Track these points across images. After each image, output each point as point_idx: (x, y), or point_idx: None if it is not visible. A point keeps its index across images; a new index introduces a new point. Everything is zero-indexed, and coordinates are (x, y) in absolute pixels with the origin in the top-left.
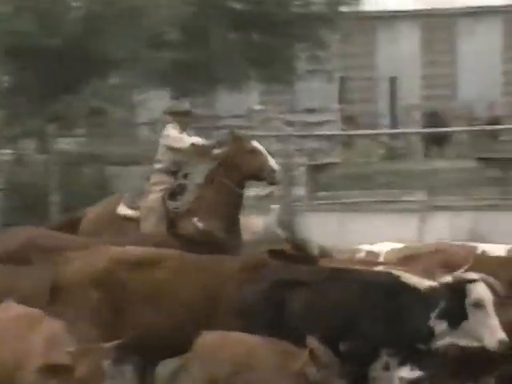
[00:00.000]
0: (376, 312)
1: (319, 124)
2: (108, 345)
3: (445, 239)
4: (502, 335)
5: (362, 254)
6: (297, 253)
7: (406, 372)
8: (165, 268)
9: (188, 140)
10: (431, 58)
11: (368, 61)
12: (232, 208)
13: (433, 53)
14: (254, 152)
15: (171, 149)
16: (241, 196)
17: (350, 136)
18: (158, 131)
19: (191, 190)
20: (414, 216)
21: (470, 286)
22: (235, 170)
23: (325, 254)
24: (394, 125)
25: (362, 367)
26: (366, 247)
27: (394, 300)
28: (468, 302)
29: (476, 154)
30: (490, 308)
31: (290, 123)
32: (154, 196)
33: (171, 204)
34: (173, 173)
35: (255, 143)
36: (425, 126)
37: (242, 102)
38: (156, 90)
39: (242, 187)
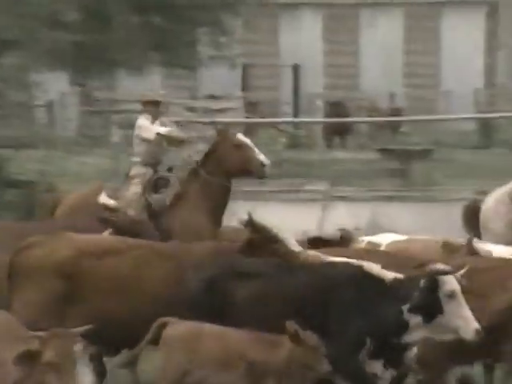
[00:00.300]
0: (340, 303)
1: (222, 111)
2: (76, 330)
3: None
4: (476, 325)
5: (361, 245)
6: (256, 236)
7: (379, 369)
8: (130, 257)
9: (155, 129)
10: (333, 48)
11: (271, 48)
12: (217, 203)
13: (335, 43)
14: (241, 146)
15: (142, 139)
16: (227, 192)
17: (252, 124)
18: (54, 113)
19: (174, 183)
20: (315, 205)
21: (444, 278)
22: (221, 166)
23: (347, 239)
24: (296, 113)
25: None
26: (366, 238)
27: (357, 290)
28: (442, 293)
29: (377, 145)
30: (462, 298)
31: (191, 109)
32: (134, 189)
33: (154, 197)
34: (151, 164)
35: (241, 137)
36: (327, 116)
37: (143, 86)
38: (54, 71)
39: (229, 183)
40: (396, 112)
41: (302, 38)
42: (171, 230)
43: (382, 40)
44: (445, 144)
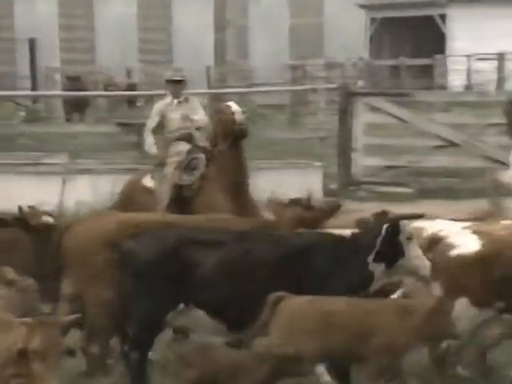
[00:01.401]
0: (310, 269)
1: None
2: (64, 319)
3: (86, 201)
4: (428, 262)
5: None
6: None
7: None
8: None
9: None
10: (69, 22)
11: (6, 22)
12: (236, 180)
13: (70, 17)
14: (233, 115)
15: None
16: (241, 163)
17: None
18: None
19: (201, 165)
20: (55, 179)
21: (403, 222)
22: (226, 140)
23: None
24: (34, 87)
25: None
26: None
27: (326, 254)
28: (403, 236)
29: (114, 119)
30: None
31: None
32: (167, 169)
33: (185, 179)
34: (188, 139)
35: (232, 104)
36: (65, 90)
37: None
38: None
39: (236, 150)
40: (132, 87)
41: (38, 12)
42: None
43: (117, 15)
44: None
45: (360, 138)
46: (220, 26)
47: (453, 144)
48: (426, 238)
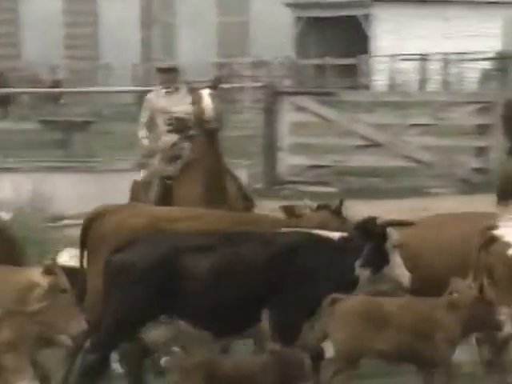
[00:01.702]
0: (299, 270)
1: None
2: (32, 308)
3: (8, 200)
4: (407, 272)
5: None
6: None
7: None
8: (202, 223)
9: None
10: None
11: None
12: (211, 170)
13: None
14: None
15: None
16: (216, 155)
17: None
18: None
19: (185, 154)
20: None
21: (390, 229)
22: (201, 132)
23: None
24: None
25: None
26: None
27: (314, 256)
28: (389, 244)
29: (38, 117)
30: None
31: None
32: (155, 161)
33: (168, 170)
34: (180, 130)
35: (204, 97)
36: None
37: None
38: None
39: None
40: (57, 83)
41: None
42: (176, 204)
43: (42, 10)
44: (104, 116)
45: (285, 137)
46: (146, 22)
47: (376, 144)
48: (482, 237)
